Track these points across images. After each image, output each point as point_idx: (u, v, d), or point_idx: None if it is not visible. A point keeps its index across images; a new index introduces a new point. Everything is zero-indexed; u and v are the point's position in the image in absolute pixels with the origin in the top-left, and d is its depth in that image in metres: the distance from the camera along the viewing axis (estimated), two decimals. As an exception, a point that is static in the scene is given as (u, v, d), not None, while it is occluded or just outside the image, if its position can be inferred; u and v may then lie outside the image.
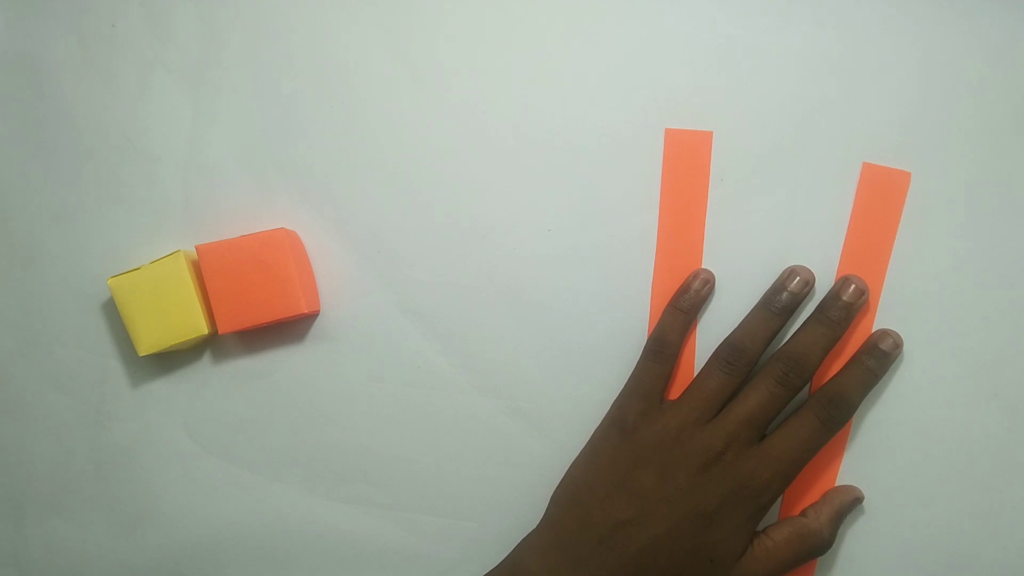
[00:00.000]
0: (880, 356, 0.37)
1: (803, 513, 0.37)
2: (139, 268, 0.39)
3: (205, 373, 0.41)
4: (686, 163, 0.40)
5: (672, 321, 0.38)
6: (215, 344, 0.41)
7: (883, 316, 0.39)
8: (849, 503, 0.37)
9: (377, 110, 0.41)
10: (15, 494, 0.42)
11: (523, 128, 0.40)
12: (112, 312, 0.42)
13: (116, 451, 0.42)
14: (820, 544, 0.36)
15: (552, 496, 0.38)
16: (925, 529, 0.38)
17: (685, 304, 0.38)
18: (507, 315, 0.40)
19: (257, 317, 0.38)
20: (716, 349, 0.38)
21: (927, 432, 0.38)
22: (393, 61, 0.41)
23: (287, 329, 0.41)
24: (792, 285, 0.37)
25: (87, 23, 0.42)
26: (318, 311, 0.41)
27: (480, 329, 0.40)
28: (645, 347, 0.38)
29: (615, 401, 0.39)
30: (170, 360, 0.42)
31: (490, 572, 0.37)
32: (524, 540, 0.38)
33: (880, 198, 0.39)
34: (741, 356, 0.36)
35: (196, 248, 0.38)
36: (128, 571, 0.42)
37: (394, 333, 0.41)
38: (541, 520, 0.38)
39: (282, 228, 0.39)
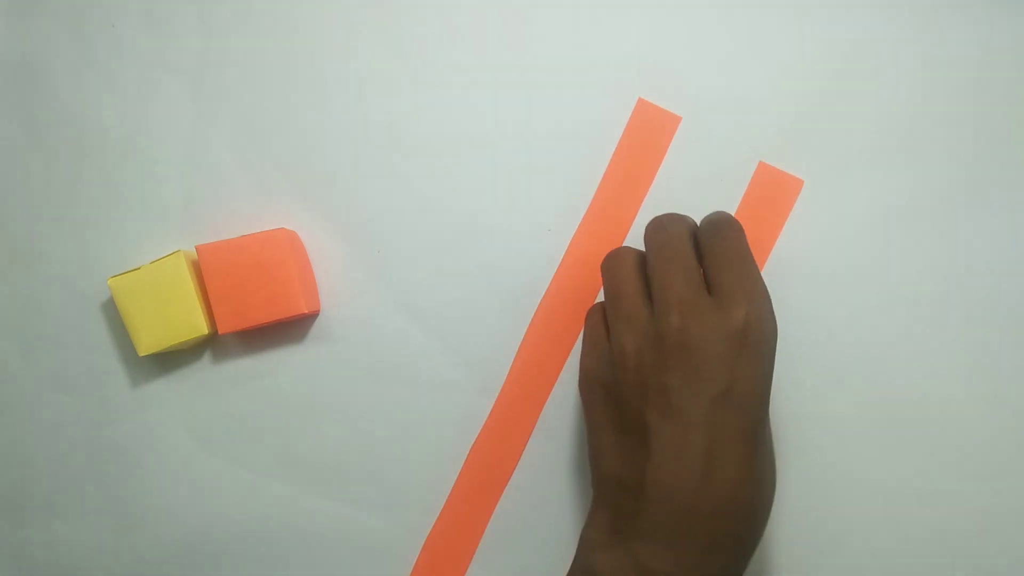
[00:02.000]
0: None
1: None
2: (139, 268, 0.39)
3: (205, 373, 0.41)
4: (646, 138, 0.40)
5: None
6: (215, 344, 0.41)
7: (883, 316, 0.39)
8: None
9: (377, 110, 0.41)
10: (15, 494, 0.42)
11: (524, 128, 0.40)
12: (112, 312, 0.42)
13: (116, 451, 0.42)
14: None
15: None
16: (925, 529, 0.38)
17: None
18: (507, 315, 0.40)
19: (257, 317, 0.38)
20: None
21: (927, 432, 0.38)
22: (393, 61, 0.41)
23: (287, 329, 0.41)
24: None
25: (87, 23, 0.42)
26: (318, 311, 0.41)
27: (480, 329, 0.40)
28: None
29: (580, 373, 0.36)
30: (170, 360, 0.42)
31: None
32: (580, 539, 0.34)
33: (768, 200, 0.39)
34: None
35: (196, 248, 0.38)
36: (128, 571, 0.42)
37: (394, 333, 0.41)
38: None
39: (282, 228, 0.39)
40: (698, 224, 0.35)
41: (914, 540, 0.39)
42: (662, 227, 0.33)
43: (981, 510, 0.38)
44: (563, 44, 0.40)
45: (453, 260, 0.41)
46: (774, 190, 0.39)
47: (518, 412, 0.40)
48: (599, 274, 0.40)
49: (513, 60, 0.41)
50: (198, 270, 0.40)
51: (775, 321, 0.31)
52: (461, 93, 0.41)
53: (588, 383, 0.34)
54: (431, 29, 0.41)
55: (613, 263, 0.34)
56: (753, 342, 0.30)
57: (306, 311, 0.38)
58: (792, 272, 0.39)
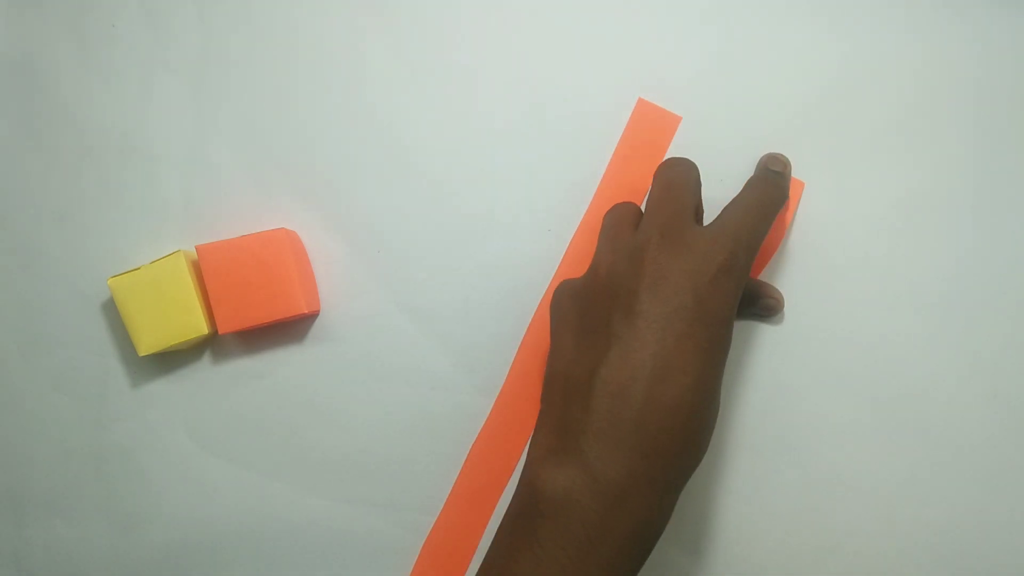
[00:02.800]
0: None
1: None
2: (139, 268, 0.39)
3: (205, 373, 0.41)
4: (646, 138, 0.40)
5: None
6: (215, 344, 0.41)
7: (884, 316, 0.39)
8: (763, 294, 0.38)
9: (377, 110, 0.41)
10: (15, 494, 0.42)
11: (524, 128, 0.40)
12: (112, 312, 0.42)
13: (116, 451, 0.42)
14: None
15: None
16: (925, 529, 0.38)
17: None
18: (507, 315, 0.40)
19: (257, 317, 0.38)
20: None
21: (927, 432, 0.38)
22: (393, 61, 0.41)
23: (287, 329, 0.41)
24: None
25: (87, 23, 0.42)
26: (318, 311, 0.41)
27: (480, 329, 0.40)
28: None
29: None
30: (170, 360, 0.42)
31: (512, 502, 0.32)
32: (527, 454, 0.33)
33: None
34: None
35: (196, 248, 0.38)
36: (128, 571, 0.42)
37: (394, 333, 0.41)
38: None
39: (282, 228, 0.39)
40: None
41: (914, 540, 0.39)
42: (673, 165, 0.35)
43: (981, 510, 0.38)
44: (563, 44, 0.40)
45: (453, 260, 0.41)
46: None
47: (518, 412, 0.40)
48: None
49: (513, 60, 0.41)
50: (198, 270, 0.40)
51: (750, 260, 0.32)
52: (461, 93, 0.41)
53: (557, 293, 0.35)
54: (431, 29, 0.41)
55: (614, 207, 0.36)
56: (725, 269, 0.31)
57: (306, 311, 0.38)
58: (793, 272, 0.39)
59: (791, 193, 0.38)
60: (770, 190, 0.35)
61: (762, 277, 0.40)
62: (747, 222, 0.32)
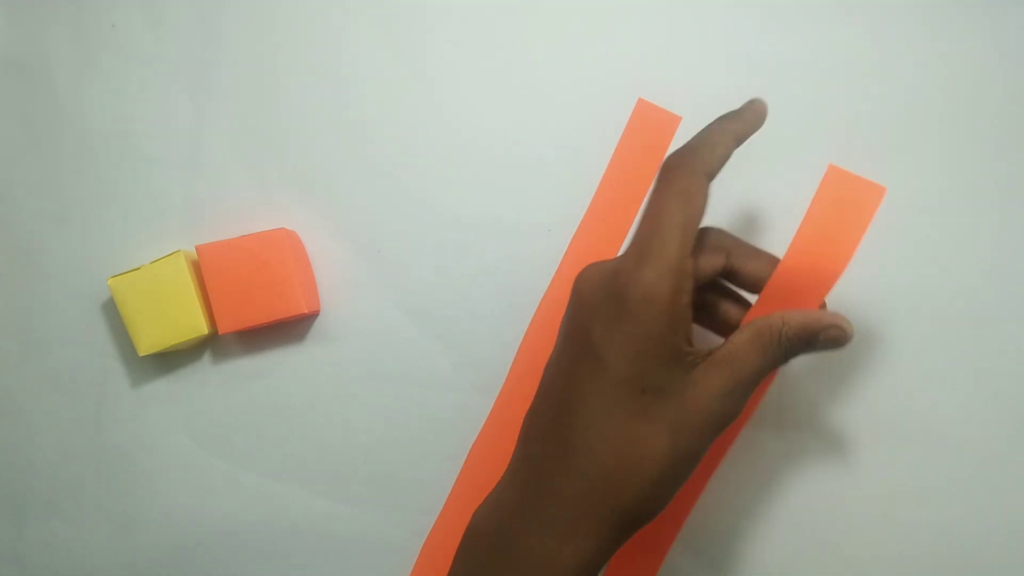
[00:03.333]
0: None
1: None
2: (139, 268, 0.39)
3: (205, 373, 0.41)
4: (646, 138, 0.40)
5: None
6: (215, 344, 0.41)
7: (884, 316, 0.39)
8: (823, 326, 0.30)
9: (377, 110, 0.41)
10: (15, 494, 0.42)
11: (524, 128, 0.40)
12: (112, 312, 0.42)
13: (116, 451, 0.42)
14: (779, 339, 0.29)
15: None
16: (925, 529, 0.38)
17: None
18: (507, 315, 0.40)
19: (257, 317, 0.38)
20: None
21: (927, 432, 0.38)
22: (393, 61, 0.41)
23: (287, 329, 0.41)
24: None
25: (87, 23, 0.42)
26: (318, 311, 0.41)
27: (480, 329, 0.40)
28: None
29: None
30: (170, 360, 0.42)
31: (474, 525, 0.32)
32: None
33: (843, 203, 0.33)
34: None
35: (196, 248, 0.39)
36: (128, 571, 0.42)
37: (394, 333, 0.41)
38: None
39: (282, 228, 0.39)
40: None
41: (914, 541, 0.39)
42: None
43: (981, 510, 0.38)
44: (563, 43, 0.40)
45: (453, 260, 0.41)
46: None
47: (518, 412, 0.40)
48: None
49: (513, 60, 0.41)
50: (198, 270, 0.40)
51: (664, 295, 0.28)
52: (461, 93, 0.41)
53: (585, 282, 0.31)
54: (431, 30, 0.41)
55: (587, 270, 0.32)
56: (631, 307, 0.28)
57: (306, 311, 0.38)
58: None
59: (869, 202, 0.32)
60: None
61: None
62: (665, 243, 0.28)
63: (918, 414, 0.39)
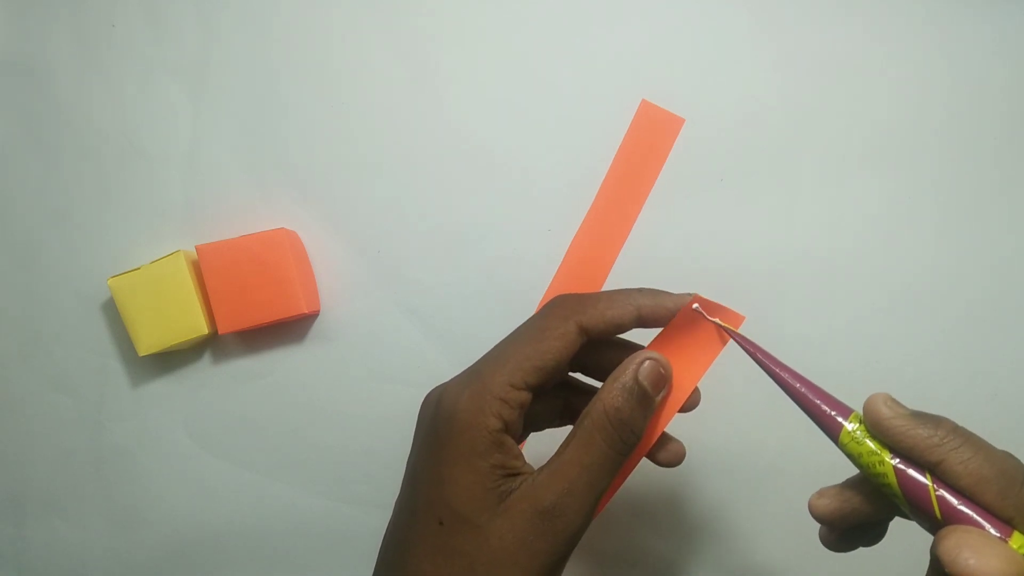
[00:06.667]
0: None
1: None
2: (139, 268, 0.39)
3: (205, 373, 0.41)
4: (649, 139, 0.40)
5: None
6: (215, 344, 0.41)
7: (884, 316, 0.39)
8: (635, 363, 0.28)
9: (377, 110, 0.41)
10: (15, 494, 0.42)
11: (526, 129, 0.40)
12: (112, 312, 0.42)
13: (116, 451, 0.42)
14: (606, 419, 0.27)
15: None
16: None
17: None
18: (507, 315, 0.40)
19: (257, 317, 0.38)
20: None
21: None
22: (393, 62, 0.41)
23: (287, 329, 0.41)
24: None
25: (87, 23, 0.42)
26: (318, 311, 0.41)
27: (480, 329, 0.40)
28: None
29: None
30: (170, 360, 0.42)
31: None
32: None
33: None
34: None
35: (196, 248, 0.38)
36: (128, 571, 0.42)
37: (394, 333, 0.41)
38: None
39: (282, 228, 0.39)
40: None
41: (914, 540, 0.39)
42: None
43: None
44: (567, 45, 0.40)
45: (453, 260, 0.41)
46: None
47: (518, 412, 0.40)
48: (599, 274, 0.40)
49: (516, 61, 0.41)
50: (198, 270, 0.40)
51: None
52: (463, 93, 0.41)
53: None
54: (433, 30, 0.41)
55: None
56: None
57: (306, 311, 0.38)
58: (793, 273, 0.39)
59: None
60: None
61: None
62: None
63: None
